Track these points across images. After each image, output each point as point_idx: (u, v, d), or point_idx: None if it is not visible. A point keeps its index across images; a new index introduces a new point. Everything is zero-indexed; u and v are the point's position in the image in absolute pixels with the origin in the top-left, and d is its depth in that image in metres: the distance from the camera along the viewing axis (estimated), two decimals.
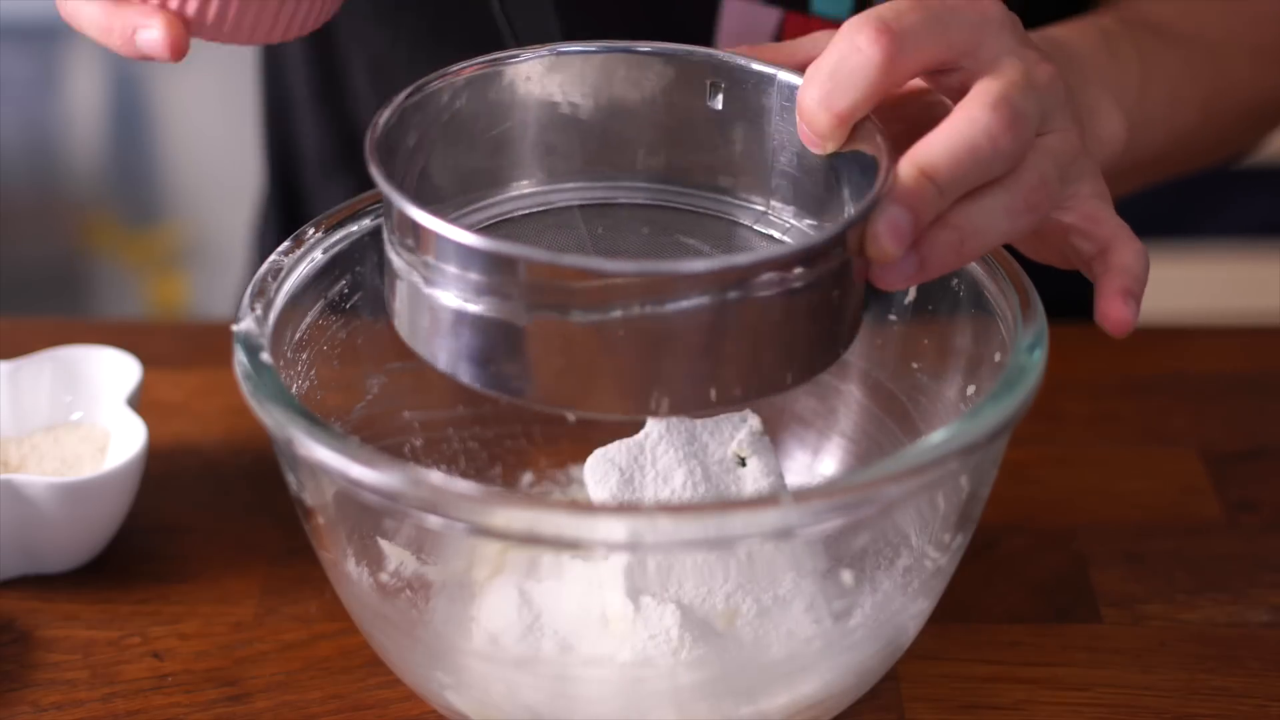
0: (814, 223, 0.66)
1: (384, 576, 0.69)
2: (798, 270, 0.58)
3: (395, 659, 0.67)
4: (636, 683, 0.65)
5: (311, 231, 0.69)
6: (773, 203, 0.67)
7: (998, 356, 0.66)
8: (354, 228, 0.70)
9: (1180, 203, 1.79)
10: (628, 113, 0.67)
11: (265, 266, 0.67)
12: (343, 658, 0.72)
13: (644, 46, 0.66)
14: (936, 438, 0.59)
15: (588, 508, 0.63)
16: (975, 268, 0.68)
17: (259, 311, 0.65)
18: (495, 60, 0.66)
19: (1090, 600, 0.75)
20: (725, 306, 0.57)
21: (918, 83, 0.65)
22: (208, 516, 0.81)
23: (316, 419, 0.60)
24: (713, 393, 0.59)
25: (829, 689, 0.65)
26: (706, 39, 0.87)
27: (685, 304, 0.57)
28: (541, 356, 0.58)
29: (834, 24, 0.84)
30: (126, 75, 1.94)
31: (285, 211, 1.09)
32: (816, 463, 0.76)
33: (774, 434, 0.71)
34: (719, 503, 0.63)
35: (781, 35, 0.85)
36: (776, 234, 0.66)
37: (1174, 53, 0.82)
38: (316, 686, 0.71)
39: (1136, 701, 0.70)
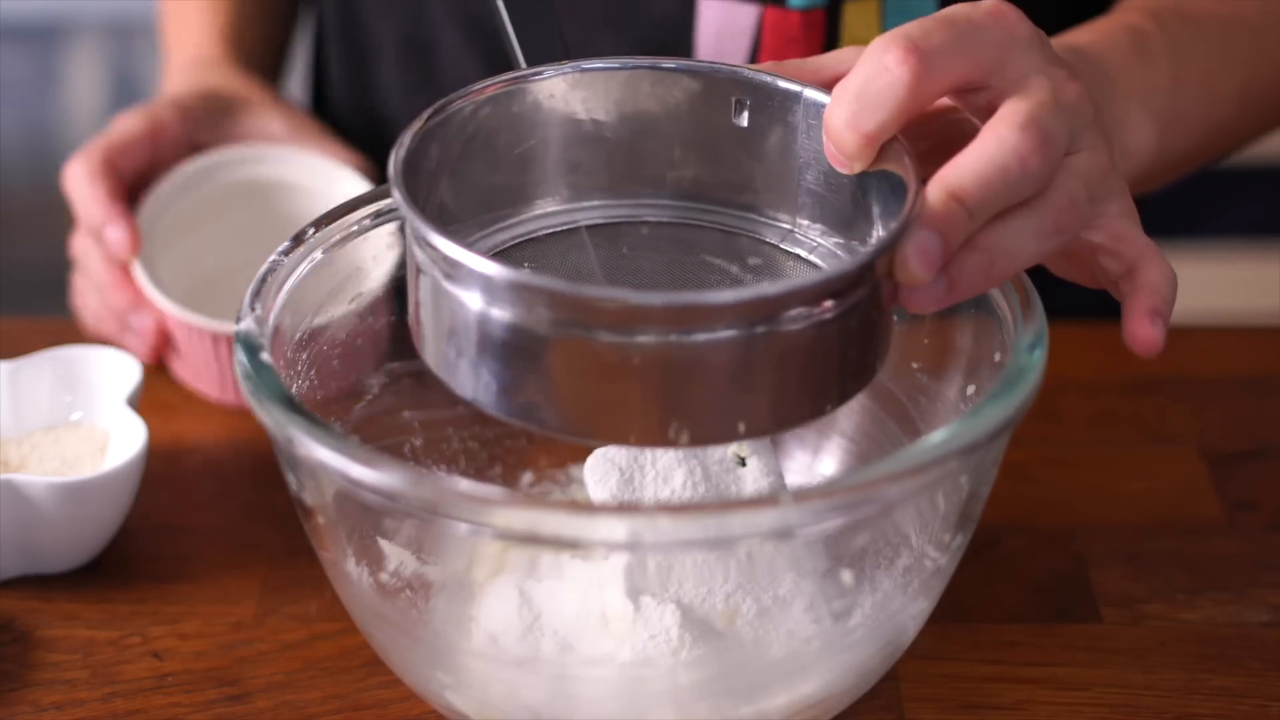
0: (841, 241, 0.65)
1: (384, 576, 0.69)
2: (828, 299, 0.58)
3: (395, 659, 0.67)
4: (636, 683, 0.65)
5: (311, 231, 0.69)
6: (799, 221, 0.66)
7: (998, 356, 0.66)
8: (354, 227, 0.70)
9: (1180, 203, 1.79)
10: (652, 130, 0.67)
11: (265, 266, 0.67)
12: (343, 658, 0.72)
13: (668, 63, 0.66)
14: (936, 438, 0.59)
15: (588, 508, 0.63)
16: None
17: (259, 311, 0.65)
18: (518, 78, 0.65)
19: (1090, 600, 0.75)
20: (753, 338, 0.57)
21: (944, 101, 0.64)
22: (208, 516, 0.81)
23: (316, 419, 0.60)
24: (741, 425, 0.59)
25: (829, 689, 0.65)
26: (685, 36, 0.87)
27: (712, 335, 0.56)
28: (564, 378, 0.58)
29: (812, 13, 0.84)
30: (126, 75, 1.94)
31: None
32: (816, 463, 0.76)
33: None
34: (719, 503, 0.63)
35: (761, 31, 0.85)
36: (803, 252, 0.66)
37: (1209, 42, 0.81)
38: (316, 686, 0.71)
39: (1136, 701, 0.70)
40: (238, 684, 0.71)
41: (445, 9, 0.96)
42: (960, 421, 0.60)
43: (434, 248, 0.58)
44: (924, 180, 0.60)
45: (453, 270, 0.58)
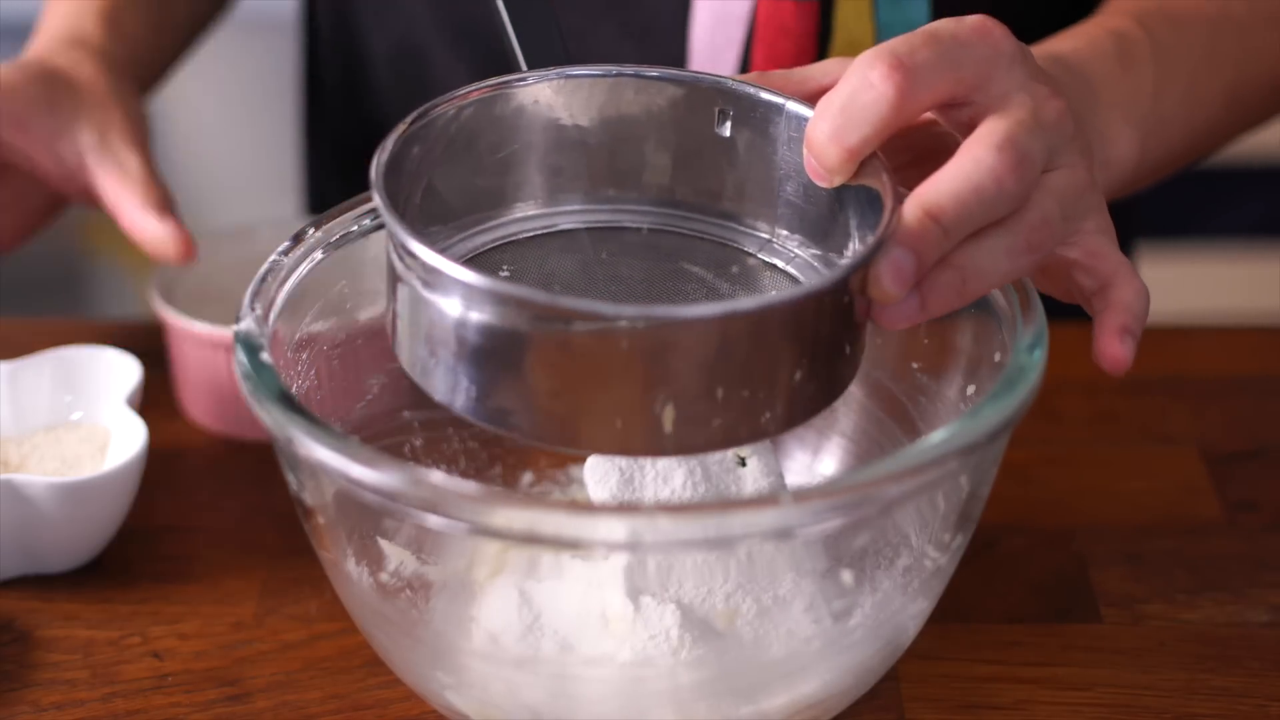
0: (818, 252, 0.66)
1: (384, 576, 0.69)
2: (800, 312, 0.58)
3: (395, 659, 0.67)
4: (636, 683, 0.65)
5: (311, 231, 0.69)
6: (777, 230, 0.67)
7: (998, 356, 0.66)
8: (354, 227, 0.70)
9: (1180, 203, 1.79)
10: (635, 137, 0.67)
11: (265, 266, 0.67)
12: (343, 658, 0.72)
13: (652, 71, 0.66)
14: (936, 438, 0.59)
15: (588, 508, 0.63)
16: None
17: (259, 311, 0.65)
18: (503, 83, 0.66)
19: (1090, 600, 0.75)
20: (726, 348, 0.57)
21: (926, 114, 0.64)
22: (208, 516, 0.81)
23: (316, 419, 0.60)
24: (715, 422, 0.59)
25: (829, 689, 0.65)
26: (680, 27, 0.87)
27: (685, 349, 0.57)
28: (539, 383, 0.58)
29: (806, 4, 0.84)
30: None
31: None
32: (816, 463, 0.76)
33: None
34: (719, 503, 0.63)
35: (755, 21, 0.85)
36: (780, 263, 0.66)
37: (1195, 43, 0.81)
38: (316, 686, 0.71)
39: (1136, 701, 0.70)
40: (238, 684, 0.71)
41: (437, 17, 0.96)
42: (960, 421, 0.60)
43: (411, 254, 0.59)
44: (901, 196, 0.60)
45: (429, 276, 0.59)
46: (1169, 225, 1.82)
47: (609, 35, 0.89)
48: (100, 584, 0.76)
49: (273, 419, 0.61)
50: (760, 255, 0.67)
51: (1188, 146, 0.82)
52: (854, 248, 0.63)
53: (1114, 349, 0.63)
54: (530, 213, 0.68)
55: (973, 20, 0.62)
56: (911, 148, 0.65)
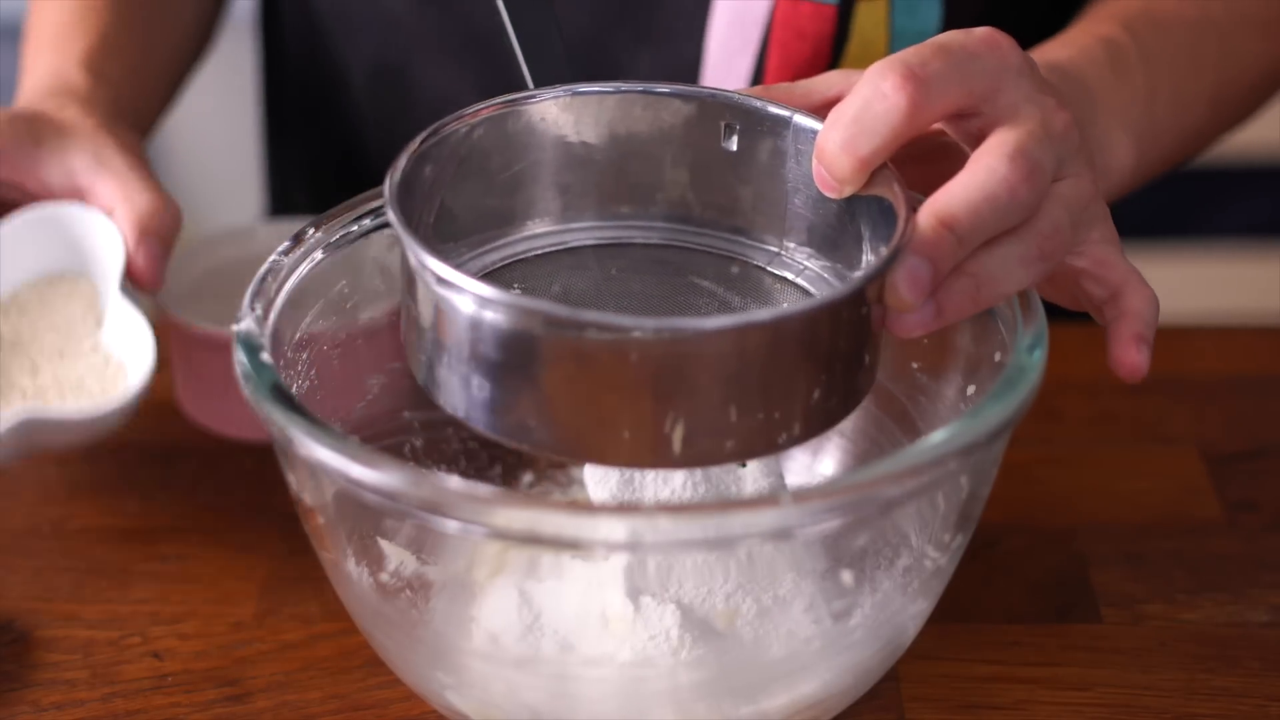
0: (828, 264, 0.66)
1: (384, 576, 0.69)
2: (818, 326, 0.58)
3: (395, 659, 0.67)
4: (636, 683, 0.65)
5: (311, 231, 0.69)
6: (787, 244, 0.67)
7: (998, 356, 0.66)
8: (354, 228, 0.70)
9: (1180, 203, 1.79)
10: (643, 153, 0.67)
11: (265, 266, 0.67)
12: (343, 658, 0.72)
13: (660, 87, 0.67)
14: (936, 438, 0.59)
15: (588, 508, 0.63)
16: None
17: (259, 311, 0.65)
18: (512, 101, 0.66)
19: (1090, 600, 0.75)
20: (744, 359, 0.57)
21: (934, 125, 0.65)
22: (208, 516, 0.81)
23: (316, 419, 0.60)
24: (732, 436, 0.59)
25: (829, 689, 0.65)
26: (698, 30, 0.87)
27: (701, 360, 0.57)
28: (556, 396, 0.58)
29: (824, 8, 0.85)
30: None
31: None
32: (816, 463, 0.76)
33: None
34: (719, 503, 0.63)
35: (772, 22, 0.85)
36: (790, 275, 0.67)
37: (1179, 47, 0.82)
38: (316, 686, 0.71)
39: (1136, 701, 0.70)
40: (238, 684, 0.71)
41: (420, 28, 0.95)
42: (960, 421, 0.60)
43: (428, 269, 0.59)
44: (915, 205, 0.61)
45: (446, 291, 0.59)
46: (1169, 225, 1.82)
47: (622, 41, 0.89)
48: (100, 584, 0.76)
49: (273, 419, 0.61)
50: (771, 268, 0.67)
51: (1177, 149, 0.83)
52: (865, 258, 0.63)
53: (1130, 357, 0.64)
54: (541, 230, 0.68)
55: (981, 32, 0.63)
56: (917, 156, 0.66)
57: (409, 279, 0.61)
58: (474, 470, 0.77)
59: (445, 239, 0.66)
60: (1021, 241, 0.61)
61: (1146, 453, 0.85)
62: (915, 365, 0.72)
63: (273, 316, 0.66)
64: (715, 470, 0.67)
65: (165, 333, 0.86)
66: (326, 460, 0.59)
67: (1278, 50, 0.87)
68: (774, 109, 0.65)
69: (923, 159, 0.66)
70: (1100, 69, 0.76)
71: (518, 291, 0.65)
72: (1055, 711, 0.70)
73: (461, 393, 0.60)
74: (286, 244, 0.68)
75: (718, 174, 0.67)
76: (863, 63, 0.83)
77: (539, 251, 0.68)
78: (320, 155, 1.03)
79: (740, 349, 0.57)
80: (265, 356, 0.63)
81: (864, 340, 0.60)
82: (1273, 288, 1.79)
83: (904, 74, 0.60)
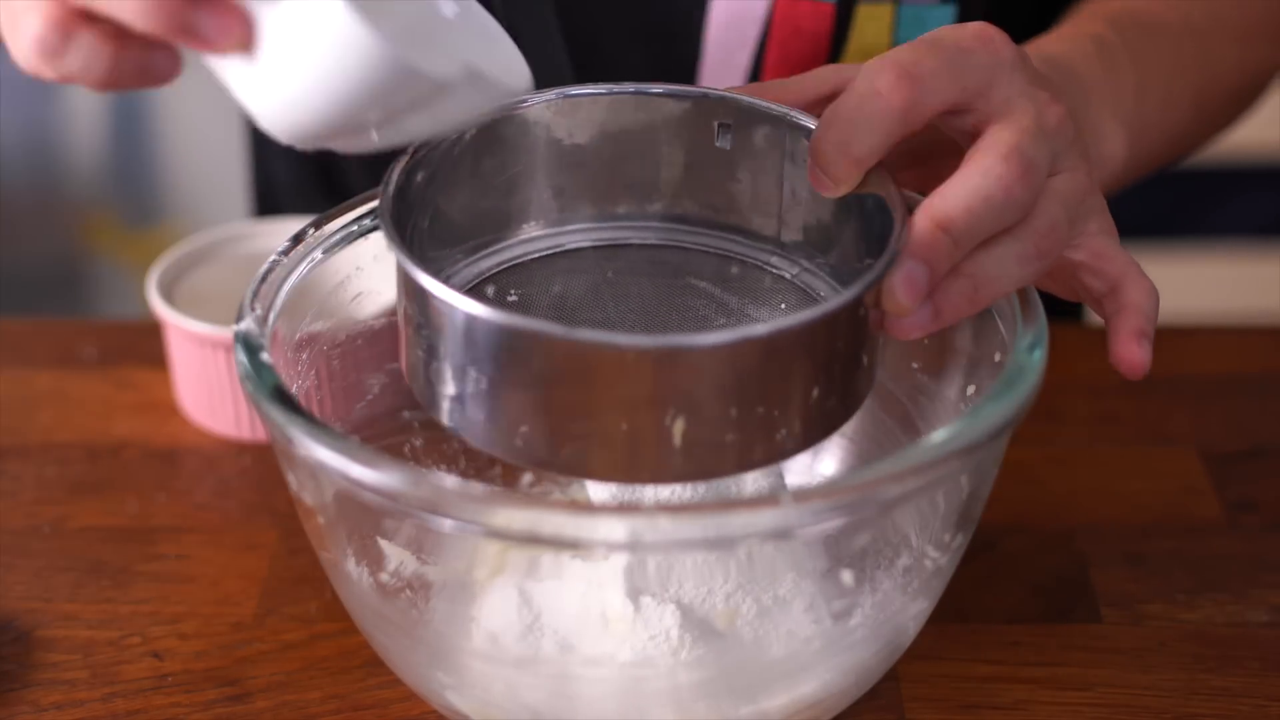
0: (824, 261, 0.66)
1: (384, 576, 0.69)
2: (815, 334, 0.58)
3: (395, 659, 0.67)
4: (636, 683, 0.65)
5: (311, 231, 0.69)
6: (782, 242, 0.67)
7: (998, 356, 0.66)
8: (353, 227, 0.70)
9: (1180, 203, 1.79)
10: (638, 154, 0.67)
11: (265, 266, 0.67)
12: (343, 658, 0.72)
13: (654, 88, 0.67)
14: (936, 438, 0.59)
15: (588, 508, 0.63)
16: None
17: (259, 311, 0.65)
18: (504, 105, 0.66)
19: (1090, 600, 0.75)
20: (741, 373, 0.57)
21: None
22: (208, 516, 0.81)
23: (316, 419, 0.60)
24: (732, 447, 0.59)
25: (829, 689, 0.65)
26: (696, 27, 0.87)
27: (699, 375, 0.57)
28: (554, 411, 0.58)
29: (822, 6, 0.84)
30: None
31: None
32: (816, 463, 0.76)
33: None
34: (719, 503, 0.63)
35: (771, 20, 0.85)
36: (788, 274, 0.67)
37: (1164, 49, 0.82)
38: (316, 686, 0.71)
39: (1136, 701, 0.70)
40: (238, 684, 0.71)
41: None
42: (960, 421, 0.60)
43: (420, 286, 0.59)
44: (910, 207, 0.61)
45: (440, 308, 0.59)
46: (1169, 225, 1.82)
47: (619, 38, 0.89)
48: (100, 584, 0.76)
49: (273, 419, 0.61)
50: (768, 267, 0.67)
51: (1165, 148, 0.83)
52: (861, 256, 0.63)
53: (1132, 353, 0.64)
54: (537, 233, 0.68)
55: (973, 28, 0.62)
56: (910, 150, 0.66)
57: (404, 292, 0.61)
58: (474, 470, 0.77)
59: (441, 245, 0.66)
60: (1018, 240, 0.61)
61: (1146, 453, 0.85)
62: (915, 365, 0.72)
63: (273, 316, 0.66)
64: None
65: (165, 333, 0.86)
66: (326, 460, 0.59)
67: (1255, 56, 0.88)
68: (767, 107, 0.65)
69: (917, 156, 0.66)
70: (1090, 62, 0.76)
71: (514, 298, 0.65)
72: (1055, 711, 0.70)
73: (457, 408, 0.60)
74: (286, 244, 0.68)
75: (713, 173, 0.67)
76: (865, 60, 0.83)
77: (536, 254, 0.68)
78: (306, 161, 1.03)
79: (738, 363, 0.57)
80: (265, 356, 0.63)
81: (862, 344, 0.60)
82: (1273, 288, 1.79)
83: (898, 72, 0.60)
